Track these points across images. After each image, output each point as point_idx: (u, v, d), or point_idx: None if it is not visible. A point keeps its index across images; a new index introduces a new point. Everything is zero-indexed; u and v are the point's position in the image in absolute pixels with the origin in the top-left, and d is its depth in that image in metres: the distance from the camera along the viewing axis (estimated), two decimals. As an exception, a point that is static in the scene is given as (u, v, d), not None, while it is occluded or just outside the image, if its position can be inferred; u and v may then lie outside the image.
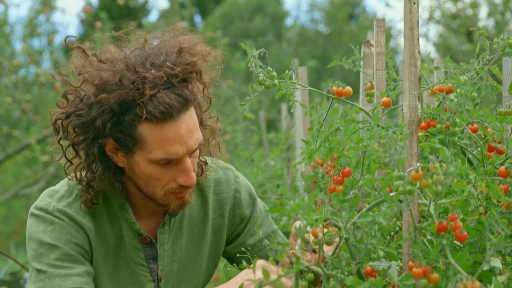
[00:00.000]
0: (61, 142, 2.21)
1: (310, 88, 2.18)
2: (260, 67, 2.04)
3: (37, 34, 11.07)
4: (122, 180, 2.26)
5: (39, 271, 2.18)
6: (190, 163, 2.19)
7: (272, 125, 9.71)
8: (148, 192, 2.23)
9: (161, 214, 2.38)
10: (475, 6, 9.88)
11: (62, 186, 2.31)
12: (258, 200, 2.54)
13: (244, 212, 2.49)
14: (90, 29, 10.96)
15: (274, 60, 17.48)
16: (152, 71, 2.10)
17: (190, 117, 2.15)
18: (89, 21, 11.83)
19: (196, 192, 2.44)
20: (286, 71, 2.05)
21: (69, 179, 2.26)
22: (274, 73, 2.04)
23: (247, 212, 2.50)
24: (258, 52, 2.04)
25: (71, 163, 2.23)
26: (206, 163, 2.39)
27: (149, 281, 2.35)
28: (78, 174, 2.23)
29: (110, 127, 2.11)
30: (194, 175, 2.20)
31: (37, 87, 10.81)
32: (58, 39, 11.95)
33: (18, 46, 11.80)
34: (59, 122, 2.19)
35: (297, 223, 2.06)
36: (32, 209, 2.26)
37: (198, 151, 2.24)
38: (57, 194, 2.28)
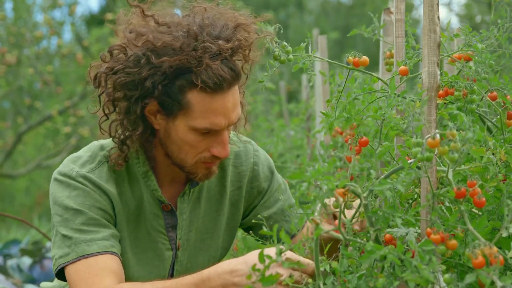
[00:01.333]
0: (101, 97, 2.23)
1: (327, 60, 2.19)
2: (276, 42, 2.04)
3: (58, 5, 11.07)
4: (152, 144, 2.28)
5: (64, 236, 2.20)
6: (227, 136, 2.22)
7: (293, 97, 9.69)
8: (179, 158, 2.24)
9: (182, 184, 2.39)
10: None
11: (84, 152, 2.33)
12: (277, 174, 2.55)
13: (261, 185, 2.50)
14: (111, 0, 10.94)
15: (296, 32, 17.41)
16: (213, 41, 2.12)
17: (236, 92, 2.19)
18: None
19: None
20: (301, 44, 2.05)
21: (102, 133, 2.28)
22: (289, 48, 2.04)
23: (264, 185, 2.51)
24: (273, 27, 2.05)
25: (107, 117, 2.25)
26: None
27: (167, 249, 2.37)
28: (113, 130, 2.25)
29: (160, 89, 2.13)
30: (228, 148, 2.23)
31: (59, 58, 10.84)
32: (79, 10, 11.96)
33: (39, 17, 11.80)
34: (103, 76, 2.20)
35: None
36: (55, 175, 2.28)
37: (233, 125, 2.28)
38: (80, 160, 2.30)
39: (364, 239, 1.88)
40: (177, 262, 2.39)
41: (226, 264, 2.03)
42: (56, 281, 2.43)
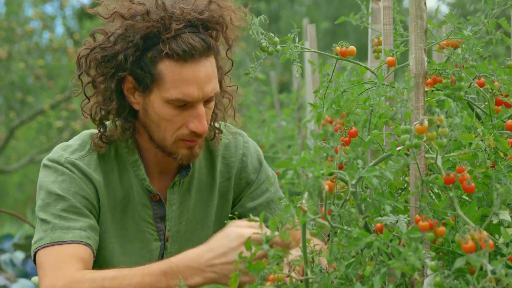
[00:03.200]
0: (82, 78, 2.25)
1: (314, 50, 2.18)
2: (262, 33, 2.03)
3: (49, -1, 11.05)
4: (134, 126, 2.28)
5: (43, 221, 2.20)
6: (203, 110, 2.21)
7: (285, 87, 9.69)
8: (159, 138, 2.24)
9: (172, 175, 2.39)
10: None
11: (75, 141, 2.33)
12: (267, 166, 2.54)
13: (250, 176, 2.50)
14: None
15: (287, 22, 17.38)
16: (184, 12, 2.16)
17: (210, 64, 2.19)
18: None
19: (205, 155, 2.46)
20: (289, 34, 2.04)
21: (85, 116, 2.30)
22: (276, 39, 2.04)
23: (252, 176, 2.50)
24: (258, 18, 2.04)
25: (89, 99, 2.27)
26: (220, 131, 2.41)
27: (155, 239, 2.36)
28: (93, 112, 2.26)
29: (132, 61, 2.15)
30: (206, 123, 2.22)
31: (50, 52, 10.81)
32: (71, 3, 11.93)
33: (30, 12, 11.77)
34: (83, 58, 2.23)
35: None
36: (44, 161, 2.28)
37: (213, 103, 2.27)
38: (70, 148, 2.30)
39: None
40: (166, 253, 2.38)
41: (192, 253, 2.02)
42: None
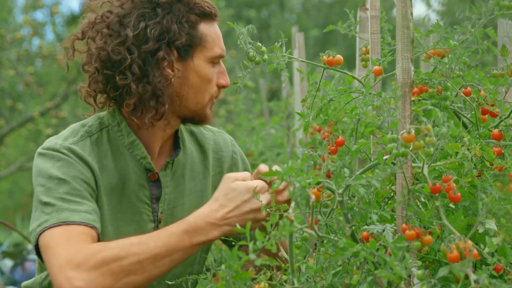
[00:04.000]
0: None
1: (301, 60, 2.19)
2: (250, 43, 2.04)
3: (39, 6, 11.02)
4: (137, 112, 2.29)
5: (46, 204, 2.15)
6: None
7: (275, 95, 9.70)
8: (196, 102, 2.31)
9: (164, 156, 2.41)
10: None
11: (65, 131, 2.33)
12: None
13: (239, 171, 2.54)
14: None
15: (278, 30, 17.38)
16: None
17: None
18: (91, -8, 11.74)
19: (196, 147, 2.50)
20: (276, 43, 2.05)
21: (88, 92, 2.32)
22: (264, 49, 2.04)
23: (242, 167, 2.57)
24: (246, 28, 2.05)
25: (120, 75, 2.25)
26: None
27: (150, 220, 2.36)
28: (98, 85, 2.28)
29: (178, 31, 2.24)
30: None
31: (40, 59, 10.79)
32: (61, 10, 11.92)
33: (20, 18, 11.75)
34: (142, 30, 2.25)
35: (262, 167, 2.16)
36: (38, 150, 2.26)
37: None
38: (61, 136, 2.29)
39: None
40: None
41: (206, 210, 2.12)
42: (35, 277, 2.41)
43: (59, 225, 2.10)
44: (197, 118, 2.34)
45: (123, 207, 2.32)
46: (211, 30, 2.28)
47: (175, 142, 2.43)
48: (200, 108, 2.31)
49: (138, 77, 2.22)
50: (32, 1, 10.85)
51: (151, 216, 2.37)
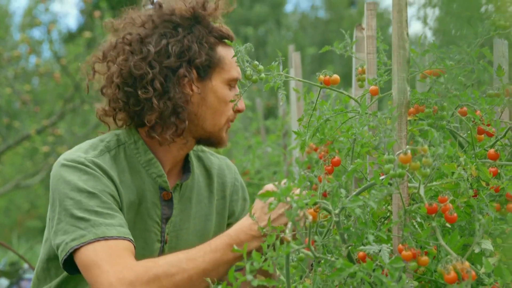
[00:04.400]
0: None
1: (298, 79, 2.19)
2: (247, 61, 2.04)
3: (36, 24, 11.04)
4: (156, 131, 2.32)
5: (79, 218, 2.14)
6: None
7: (272, 113, 9.70)
8: (213, 124, 2.34)
9: (174, 178, 2.42)
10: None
11: (83, 144, 2.33)
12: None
13: (239, 202, 2.59)
14: (89, 19, 10.92)
15: (274, 47, 17.42)
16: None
17: None
18: (88, 11, 11.80)
19: (202, 172, 2.52)
20: (273, 62, 2.05)
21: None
22: (261, 67, 2.05)
23: (241, 205, 2.60)
24: (244, 46, 2.05)
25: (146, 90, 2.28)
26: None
27: (158, 240, 2.38)
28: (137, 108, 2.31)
29: (198, 51, 2.29)
30: None
31: (37, 77, 10.79)
32: (57, 29, 11.93)
33: (17, 36, 11.77)
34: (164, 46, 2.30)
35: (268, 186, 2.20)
36: (61, 161, 2.24)
37: None
38: (81, 149, 2.29)
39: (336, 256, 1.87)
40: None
41: (245, 224, 2.18)
42: None
43: (98, 241, 2.11)
44: (213, 140, 2.38)
45: (136, 223, 2.32)
46: (228, 53, 2.33)
47: (185, 166, 2.44)
48: (216, 130, 2.35)
49: (159, 93, 2.26)
50: (29, 19, 10.87)
51: (159, 235, 2.37)
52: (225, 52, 2.33)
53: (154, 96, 2.25)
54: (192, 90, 2.29)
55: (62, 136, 10.38)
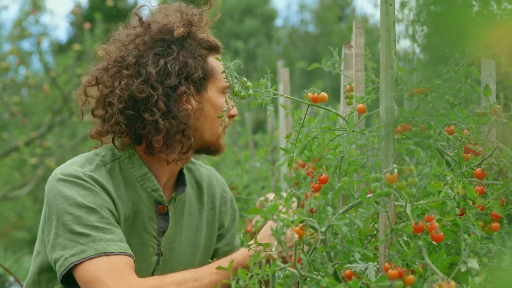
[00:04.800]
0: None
1: (286, 96, 2.19)
2: (236, 77, 2.05)
3: (26, 35, 11.03)
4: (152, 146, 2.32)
5: (78, 234, 2.14)
6: None
7: (261, 127, 9.71)
8: (212, 133, 2.36)
9: (169, 191, 2.43)
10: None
11: (78, 159, 2.32)
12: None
13: (228, 212, 2.60)
14: (79, 30, 10.92)
15: (264, 61, 17.46)
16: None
17: None
18: (79, 23, 11.80)
19: (192, 184, 2.52)
20: (261, 80, 2.06)
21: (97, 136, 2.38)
22: (249, 83, 2.05)
23: (231, 215, 2.61)
24: (233, 63, 2.05)
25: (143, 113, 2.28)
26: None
27: (155, 253, 2.38)
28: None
29: (195, 66, 2.30)
30: None
31: (26, 88, 10.77)
32: (47, 41, 11.94)
33: (6, 47, 11.75)
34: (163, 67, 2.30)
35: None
36: (58, 175, 2.23)
37: None
38: (76, 163, 2.28)
39: (323, 274, 1.87)
40: (158, 269, 2.39)
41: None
42: None
43: (99, 256, 2.12)
44: (213, 148, 2.40)
45: (132, 238, 2.32)
46: (218, 63, 2.35)
47: (179, 178, 2.44)
48: (215, 138, 2.38)
49: (164, 113, 2.26)
50: (19, 30, 10.86)
51: (156, 249, 2.38)
52: (216, 62, 2.35)
53: (160, 117, 2.25)
54: (191, 104, 2.31)
55: (51, 148, 10.36)
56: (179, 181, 2.45)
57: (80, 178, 2.22)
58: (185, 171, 2.49)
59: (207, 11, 2.41)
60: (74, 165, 2.27)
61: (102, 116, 2.34)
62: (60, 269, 2.14)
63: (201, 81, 2.32)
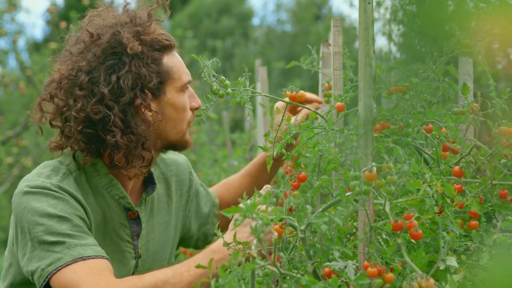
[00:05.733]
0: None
1: (264, 94, 2.19)
2: (214, 76, 2.04)
3: (1, 34, 10.96)
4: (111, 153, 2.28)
5: (52, 243, 2.12)
6: None
7: (238, 125, 9.70)
8: (177, 132, 2.34)
9: (137, 193, 2.42)
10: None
11: (43, 169, 2.30)
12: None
13: (197, 188, 2.67)
14: (56, 29, 10.86)
15: (241, 60, 17.44)
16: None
17: None
18: (55, 21, 11.73)
19: (159, 177, 2.53)
20: (239, 78, 2.05)
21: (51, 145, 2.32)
22: (227, 82, 2.05)
23: (199, 188, 2.68)
24: (211, 61, 2.05)
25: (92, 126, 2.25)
26: None
27: (133, 257, 2.38)
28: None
29: (149, 74, 2.25)
30: None
31: (2, 87, 10.70)
32: (23, 39, 11.86)
33: (-18, 46, 11.66)
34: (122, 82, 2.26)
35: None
36: (25, 189, 2.20)
37: None
38: (43, 174, 2.26)
39: (302, 272, 1.87)
40: (137, 271, 2.39)
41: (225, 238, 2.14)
42: None
43: (76, 262, 2.10)
44: (179, 146, 2.39)
45: (106, 245, 2.31)
46: (174, 61, 2.31)
47: (149, 178, 2.43)
48: (181, 136, 2.36)
49: (122, 129, 2.22)
50: (-5, 29, 10.79)
51: (133, 253, 2.37)
52: (171, 61, 2.31)
53: (118, 134, 2.22)
54: (150, 111, 2.27)
55: (27, 147, 10.30)
56: (148, 180, 2.44)
57: (49, 189, 2.20)
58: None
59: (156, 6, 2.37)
60: (40, 176, 2.24)
61: (60, 128, 2.30)
62: (39, 281, 2.12)
63: (158, 86, 2.28)
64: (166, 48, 2.31)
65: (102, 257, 2.13)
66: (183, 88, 2.32)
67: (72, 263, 2.09)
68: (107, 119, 2.21)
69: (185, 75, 2.33)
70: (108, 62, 2.22)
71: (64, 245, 2.11)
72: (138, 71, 2.23)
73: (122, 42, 2.23)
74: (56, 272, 2.09)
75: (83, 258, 2.10)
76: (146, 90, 2.24)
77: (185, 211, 2.59)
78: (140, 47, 2.24)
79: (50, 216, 2.15)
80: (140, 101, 2.23)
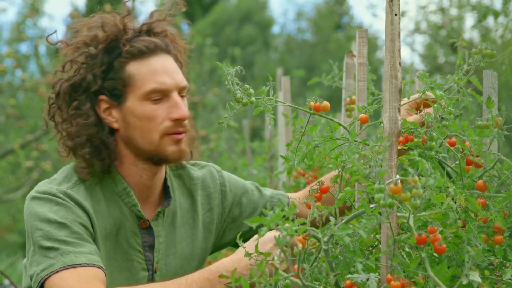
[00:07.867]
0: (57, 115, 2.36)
1: (288, 104, 2.19)
2: (238, 84, 2.04)
3: (23, 38, 11.03)
4: (111, 155, 2.32)
5: (48, 248, 2.14)
6: (179, 98, 2.29)
7: (257, 134, 9.70)
8: (146, 142, 2.29)
9: (154, 205, 2.41)
10: (460, 18, 9.89)
11: (58, 174, 2.34)
12: (243, 181, 2.65)
13: (232, 201, 2.58)
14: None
15: (262, 68, 17.44)
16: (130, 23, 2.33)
17: (173, 61, 2.32)
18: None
19: (183, 191, 2.50)
20: (263, 87, 2.05)
21: (61, 152, 2.35)
22: (251, 91, 2.04)
23: (236, 198, 2.58)
24: (234, 69, 2.05)
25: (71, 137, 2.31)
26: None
27: (143, 269, 2.36)
28: (72, 144, 2.31)
29: (101, 77, 2.25)
30: (185, 108, 2.30)
31: (22, 91, 10.76)
32: (44, 44, 11.93)
33: (4, 50, 11.73)
34: (58, 87, 2.35)
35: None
36: (32, 194, 2.25)
37: (186, 100, 2.34)
38: (55, 181, 2.30)
39: (324, 284, 1.87)
40: None
41: (230, 260, 2.14)
42: None
43: (66, 269, 2.11)
44: (157, 158, 2.33)
45: (116, 253, 2.32)
46: (140, 68, 2.26)
47: (165, 191, 2.43)
48: (154, 147, 2.30)
49: (97, 147, 2.30)
50: (17, 34, 10.85)
51: (143, 264, 2.36)
52: (136, 68, 2.27)
53: (97, 151, 2.30)
54: (110, 115, 2.31)
55: (46, 151, 10.34)
56: (166, 193, 2.44)
57: (54, 195, 2.23)
58: (175, 179, 2.48)
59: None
60: (52, 182, 2.29)
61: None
62: (34, 285, 2.16)
63: (116, 92, 2.28)
64: (134, 55, 2.27)
65: (94, 265, 2.14)
66: (147, 96, 2.27)
67: (62, 270, 2.11)
68: (84, 146, 2.30)
69: (152, 82, 2.26)
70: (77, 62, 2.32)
71: (58, 251, 2.13)
72: (85, 75, 2.27)
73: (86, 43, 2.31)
74: (47, 278, 2.12)
75: (73, 266, 2.11)
76: (98, 97, 2.28)
77: (219, 223, 2.56)
78: (95, 51, 2.28)
79: (50, 221, 2.18)
80: (89, 103, 2.28)
